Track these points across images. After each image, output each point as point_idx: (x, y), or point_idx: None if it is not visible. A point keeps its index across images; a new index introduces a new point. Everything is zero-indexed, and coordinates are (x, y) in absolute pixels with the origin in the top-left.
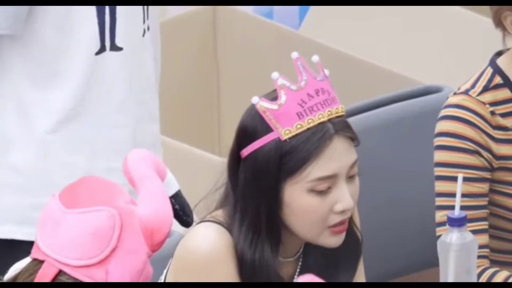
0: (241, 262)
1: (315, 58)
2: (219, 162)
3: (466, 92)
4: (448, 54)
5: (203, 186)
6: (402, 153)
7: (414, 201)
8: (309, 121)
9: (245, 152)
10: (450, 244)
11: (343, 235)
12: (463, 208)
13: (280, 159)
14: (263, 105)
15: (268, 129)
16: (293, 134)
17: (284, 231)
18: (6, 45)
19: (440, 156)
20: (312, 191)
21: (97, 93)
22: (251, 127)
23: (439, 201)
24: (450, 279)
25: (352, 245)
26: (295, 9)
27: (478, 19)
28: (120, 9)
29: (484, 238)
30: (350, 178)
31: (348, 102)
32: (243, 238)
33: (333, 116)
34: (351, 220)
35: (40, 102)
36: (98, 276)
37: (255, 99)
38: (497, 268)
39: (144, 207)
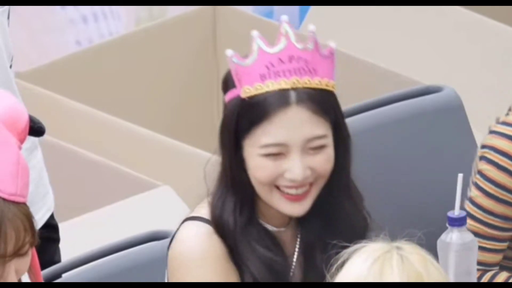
0: (215, 222)
1: (311, 27)
2: (219, 162)
3: None
4: (448, 54)
5: (202, 186)
6: (402, 153)
7: (414, 201)
8: (269, 84)
9: (226, 99)
10: (450, 244)
11: (302, 205)
12: (493, 227)
13: (238, 116)
14: (233, 59)
15: (234, 84)
16: (252, 94)
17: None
18: None
19: (486, 168)
20: (263, 155)
21: None
22: (226, 78)
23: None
24: (450, 279)
25: (346, 220)
26: (295, 9)
27: (478, 19)
28: None
29: (498, 258)
30: (313, 150)
31: (348, 102)
32: (215, 192)
33: (300, 85)
34: (351, 198)
35: None
36: None
37: (229, 52)
38: (497, 270)
39: None
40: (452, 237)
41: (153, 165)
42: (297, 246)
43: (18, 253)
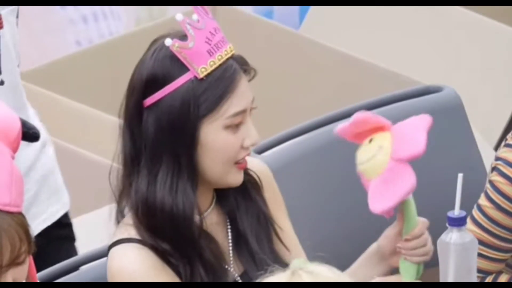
0: (162, 219)
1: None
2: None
3: None
4: (448, 54)
5: None
6: None
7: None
8: (219, 57)
9: (151, 100)
10: (450, 244)
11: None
12: (498, 237)
13: (198, 98)
14: (178, 45)
15: (182, 70)
16: (209, 71)
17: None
18: None
19: (498, 180)
20: (228, 127)
21: None
22: (162, 72)
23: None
24: (450, 279)
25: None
26: (295, 9)
27: (478, 19)
28: None
29: (497, 267)
30: (250, 113)
31: (348, 102)
32: (161, 187)
33: (232, 53)
34: None
35: None
36: None
37: (168, 41)
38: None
39: None
40: (452, 237)
41: None
42: (228, 225)
43: (14, 262)
